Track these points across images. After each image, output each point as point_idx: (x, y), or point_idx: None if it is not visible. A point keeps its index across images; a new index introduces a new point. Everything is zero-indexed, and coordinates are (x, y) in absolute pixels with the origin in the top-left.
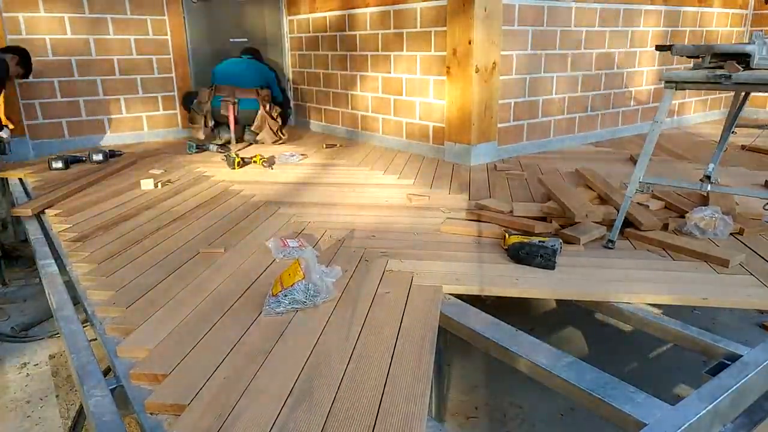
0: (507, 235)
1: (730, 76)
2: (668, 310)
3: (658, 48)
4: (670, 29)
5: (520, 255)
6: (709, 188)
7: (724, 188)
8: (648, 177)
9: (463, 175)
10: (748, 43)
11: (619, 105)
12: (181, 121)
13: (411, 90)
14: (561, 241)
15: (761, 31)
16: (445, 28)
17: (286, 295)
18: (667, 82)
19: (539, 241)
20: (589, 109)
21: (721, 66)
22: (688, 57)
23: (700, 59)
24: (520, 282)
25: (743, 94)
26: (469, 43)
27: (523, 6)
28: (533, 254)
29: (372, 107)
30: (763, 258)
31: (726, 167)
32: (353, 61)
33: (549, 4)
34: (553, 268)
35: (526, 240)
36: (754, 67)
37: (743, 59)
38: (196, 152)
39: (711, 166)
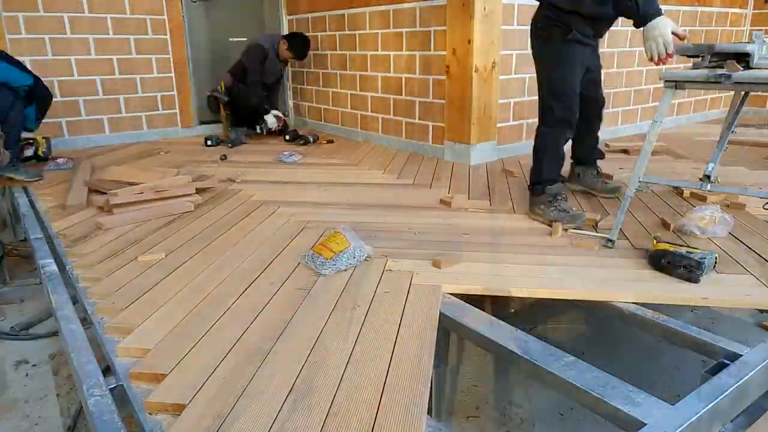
0: (655, 241)
1: (730, 75)
2: (668, 310)
3: None
4: None
5: (661, 263)
6: (708, 187)
7: (725, 188)
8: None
9: (463, 174)
10: (749, 43)
11: (619, 104)
12: (180, 120)
13: (410, 89)
14: (717, 255)
15: (761, 30)
16: (444, 28)
17: (339, 259)
18: (666, 81)
19: (687, 252)
20: None
21: (721, 65)
22: (689, 56)
23: (700, 58)
24: (520, 282)
25: (743, 93)
26: (469, 42)
27: (523, 6)
28: (675, 264)
29: (371, 107)
30: (763, 258)
31: (726, 167)
32: (353, 61)
33: None
34: (697, 281)
35: (672, 248)
36: (753, 66)
37: (743, 58)
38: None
39: (711, 165)
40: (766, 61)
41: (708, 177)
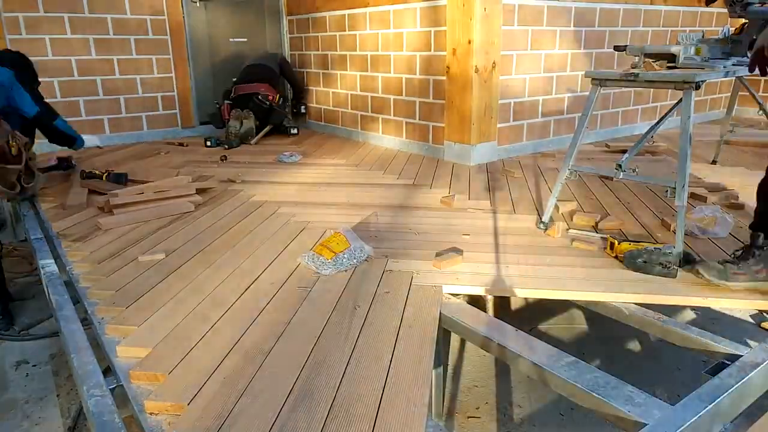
0: (616, 243)
1: (638, 74)
2: (668, 310)
3: (616, 48)
4: (669, 29)
5: (638, 263)
6: (621, 176)
7: (633, 176)
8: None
9: (463, 175)
10: (675, 44)
11: (619, 105)
12: (181, 121)
13: (411, 90)
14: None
15: (702, 31)
16: (444, 28)
17: (339, 259)
18: (592, 79)
19: (654, 248)
20: None
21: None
22: (635, 56)
23: (637, 58)
24: (520, 282)
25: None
26: (469, 43)
27: (523, 6)
28: (653, 262)
29: (372, 107)
30: None
31: (727, 167)
32: (353, 61)
33: (549, 4)
34: (674, 276)
35: (641, 247)
36: (679, 66)
37: (671, 58)
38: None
39: (625, 156)
40: (691, 61)
41: (620, 166)
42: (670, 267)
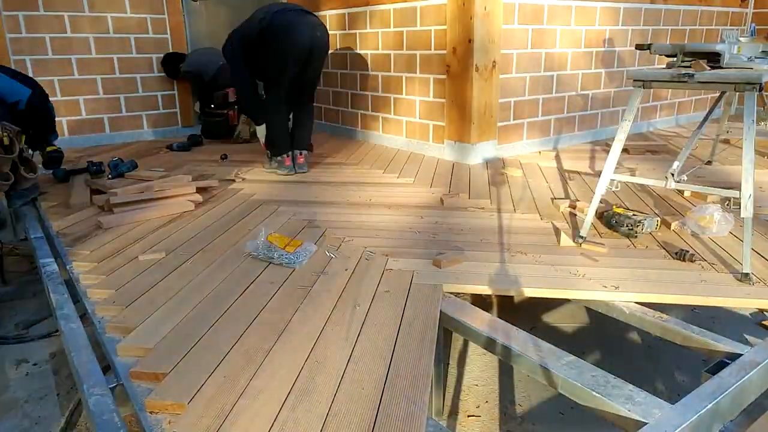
0: (614, 206)
1: (693, 75)
2: (668, 310)
3: (638, 47)
4: (670, 28)
5: (611, 222)
6: (672, 185)
7: (688, 185)
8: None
9: (463, 174)
10: (719, 42)
11: (619, 104)
12: (181, 120)
13: (411, 89)
14: (658, 219)
15: (735, 29)
16: (445, 27)
17: (297, 254)
18: (635, 80)
19: (633, 214)
20: (588, 107)
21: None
22: (665, 56)
23: (675, 58)
24: (520, 281)
25: (718, 93)
26: (469, 41)
27: (523, 5)
28: (620, 223)
29: (372, 106)
30: (763, 258)
31: (727, 166)
32: (353, 61)
33: (549, 2)
34: (635, 237)
35: (622, 212)
36: (724, 65)
37: (714, 58)
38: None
39: (676, 163)
40: (736, 61)
41: (672, 175)
42: (632, 230)
